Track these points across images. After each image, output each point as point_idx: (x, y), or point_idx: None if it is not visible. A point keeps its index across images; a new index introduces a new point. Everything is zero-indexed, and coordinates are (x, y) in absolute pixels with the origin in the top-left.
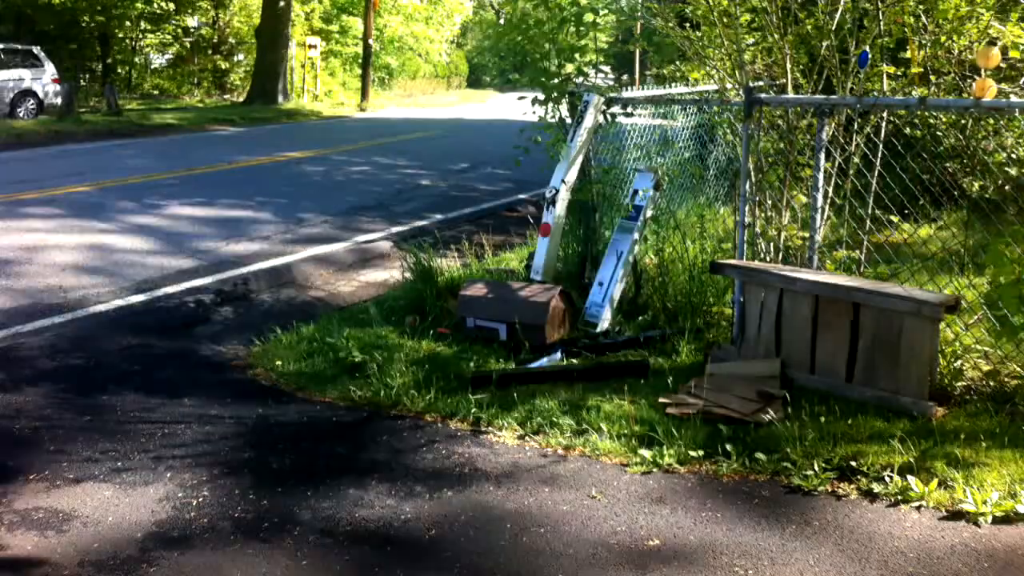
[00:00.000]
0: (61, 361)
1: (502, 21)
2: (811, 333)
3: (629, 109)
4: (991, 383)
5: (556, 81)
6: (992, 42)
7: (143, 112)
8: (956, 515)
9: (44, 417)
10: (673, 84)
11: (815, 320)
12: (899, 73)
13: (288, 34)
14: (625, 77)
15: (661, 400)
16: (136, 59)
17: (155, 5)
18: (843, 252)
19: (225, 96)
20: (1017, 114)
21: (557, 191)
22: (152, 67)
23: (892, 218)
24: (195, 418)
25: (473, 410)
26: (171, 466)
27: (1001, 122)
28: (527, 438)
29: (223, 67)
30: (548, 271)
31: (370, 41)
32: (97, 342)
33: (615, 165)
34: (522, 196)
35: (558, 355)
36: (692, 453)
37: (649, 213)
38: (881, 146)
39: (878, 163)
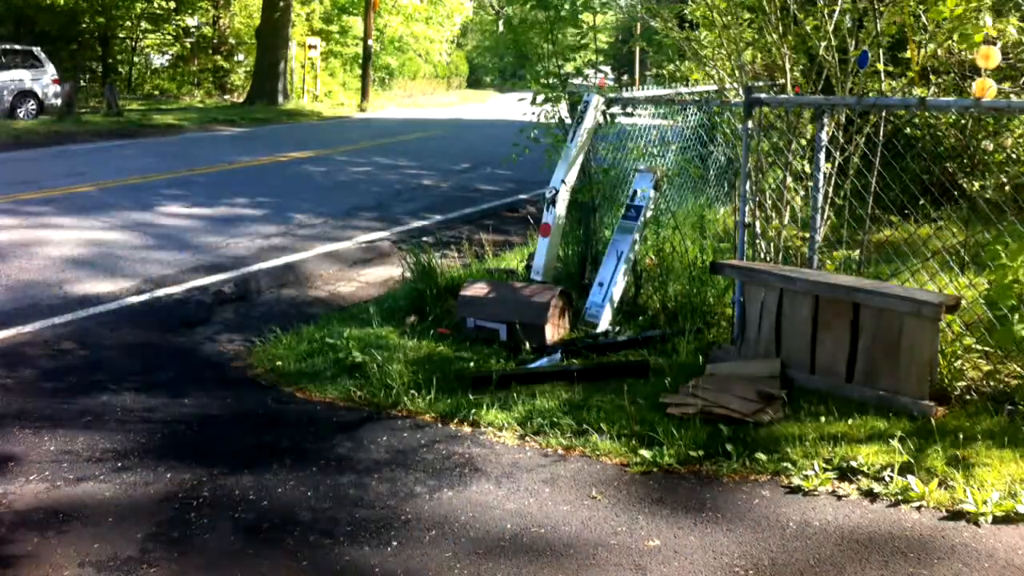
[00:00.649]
0: (61, 361)
1: (501, 23)
2: (811, 333)
3: (629, 109)
4: (991, 383)
5: (555, 81)
6: (992, 42)
7: (143, 112)
8: (956, 515)
9: (44, 417)
10: (673, 84)
11: (815, 320)
12: (899, 73)
13: (288, 34)
14: (625, 77)
15: (661, 400)
16: (136, 59)
17: (155, 5)
18: (843, 252)
19: (225, 96)
20: (1017, 114)
21: (557, 191)
22: (152, 67)
23: (892, 218)
24: (195, 418)
25: (473, 410)
26: (171, 466)
27: (1002, 122)
28: (527, 438)
29: (223, 67)
30: (548, 271)
31: (370, 41)
32: (97, 341)
33: (615, 165)
34: (522, 196)
35: (558, 355)
36: (692, 453)
37: (649, 213)
38: (881, 146)
39: (877, 163)
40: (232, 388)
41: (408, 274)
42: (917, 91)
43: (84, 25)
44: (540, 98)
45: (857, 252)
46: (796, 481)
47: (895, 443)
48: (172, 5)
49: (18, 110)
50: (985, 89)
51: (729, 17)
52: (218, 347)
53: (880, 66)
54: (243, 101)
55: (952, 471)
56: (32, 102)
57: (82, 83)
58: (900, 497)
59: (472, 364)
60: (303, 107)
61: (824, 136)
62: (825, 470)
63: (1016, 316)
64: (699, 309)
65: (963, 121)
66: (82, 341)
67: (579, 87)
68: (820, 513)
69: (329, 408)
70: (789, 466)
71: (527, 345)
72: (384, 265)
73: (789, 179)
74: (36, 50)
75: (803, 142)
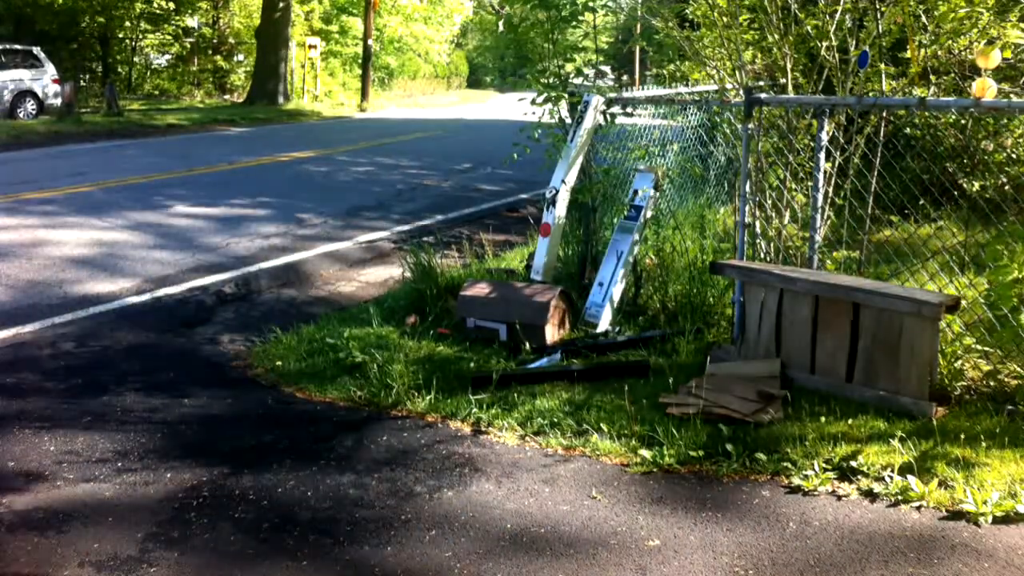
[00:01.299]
0: (62, 361)
1: (501, 24)
2: (811, 333)
3: (629, 109)
4: (991, 383)
5: (555, 81)
6: (991, 42)
7: (143, 112)
8: (956, 515)
9: (45, 417)
10: (673, 84)
11: (815, 320)
12: (899, 73)
13: (288, 34)
14: (625, 77)
15: (661, 400)
16: (136, 60)
17: (155, 5)
18: (843, 252)
19: (225, 97)
20: (1017, 114)
21: (557, 191)
22: (152, 67)
23: (892, 218)
24: (195, 418)
25: (473, 410)
26: (171, 466)
27: (1001, 122)
28: (527, 438)
29: (223, 68)
30: (548, 271)
31: (370, 41)
32: (97, 342)
33: (615, 165)
34: (523, 196)
35: (558, 355)
36: (692, 453)
37: (649, 213)
38: (881, 146)
39: (878, 163)
40: (232, 388)
41: (408, 274)
42: (917, 91)
43: (84, 25)
44: (541, 98)
45: (857, 252)
46: (796, 481)
47: (895, 443)
48: (172, 5)
49: (18, 110)
50: (985, 89)
51: (728, 18)
52: (218, 347)
53: (882, 67)
54: (243, 101)
55: (952, 471)
56: (32, 102)
57: (82, 83)
58: (900, 497)
59: (472, 364)
60: (303, 107)
61: (824, 136)
62: (825, 470)
63: (1020, 317)
64: (699, 309)
65: (963, 121)
66: (82, 341)
67: (580, 87)
68: (820, 513)
69: (329, 408)
70: (789, 466)
71: (527, 345)
72: (384, 265)
73: (789, 179)
74: (36, 50)
75: (803, 142)
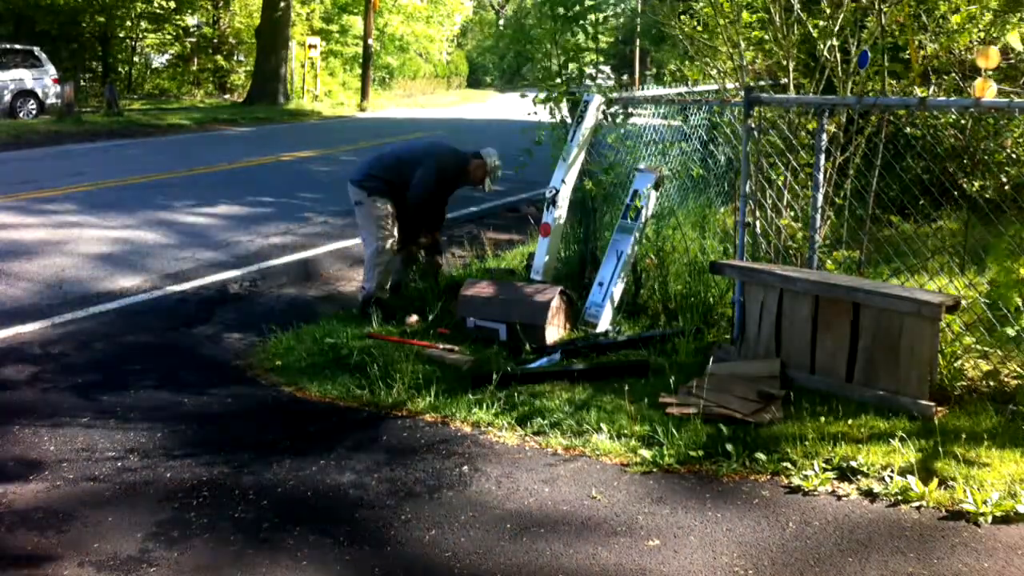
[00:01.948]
0: (61, 361)
1: (502, 23)
2: (811, 333)
3: (630, 109)
4: (991, 383)
5: (558, 81)
6: (992, 42)
7: (144, 112)
8: (956, 515)
9: (44, 417)
10: (673, 84)
11: (815, 320)
12: (900, 73)
13: (288, 34)
14: (625, 77)
15: (661, 400)
16: (136, 59)
17: (155, 5)
18: (843, 252)
19: (225, 96)
20: (1017, 114)
21: (557, 191)
22: (152, 67)
23: (892, 218)
24: (195, 418)
25: (473, 410)
26: (171, 466)
27: (1001, 122)
28: (527, 438)
29: (224, 67)
30: (548, 271)
31: (370, 41)
32: (97, 342)
33: (615, 165)
34: (523, 196)
35: (558, 355)
36: (692, 453)
37: (649, 213)
38: (881, 146)
39: (878, 163)
40: (232, 387)
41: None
42: (918, 91)
43: (84, 25)
44: (542, 96)
45: (857, 252)
46: (796, 481)
47: (895, 443)
48: (172, 5)
49: (18, 110)
50: (985, 89)
51: (731, 16)
52: (219, 346)
53: (883, 66)
54: (243, 101)
55: (952, 471)
56: (32, 102)
57: (82, 83)
58: (900, 497)
59: (472, 364)
60: (303, 107)
61: (824, 136)
62: (825, 470)
63: (1021, 317)
64: (699, 309)
65: (963, 121)
66: (82, 340)
67: (581, 87)
68: (820, 513)
69: (330, 408)
70: (789, 466)
71: (527, 345)
72: None
73: (789, 179)
74: (36, 50)
75: (804, 142)
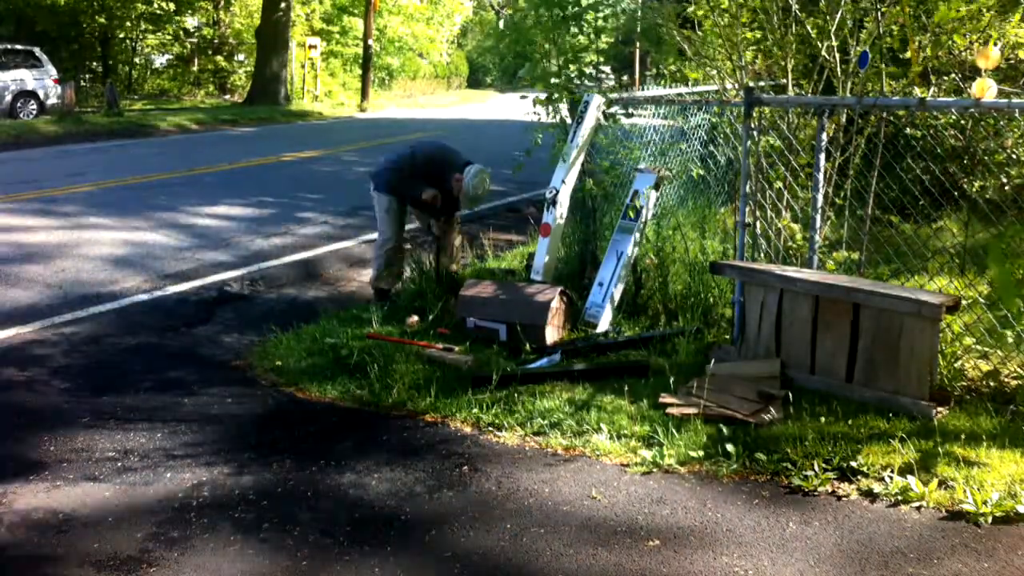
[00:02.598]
0: (61, 361)
1: (502, 23)
2: (811, 333)
3: (629, 110)
4: (991, 383)
5: (557, 81)
6: (992, 42)
7: (144, 112)
8: (956, 515)
9: (45, 417)
10: (673, 84)
11: (815, 320)
12: (900, 74)
13: (288, 35)
14: (625, 77)
15: (661, 400)
16: (137, 60)
17: (155, 6)
18: (843, 253)
19: (226, 97)
20: (1017, 114)
21: (557, 191)
22: (153, 68)
23: (892, 218)
24: (195, 418)
25: (474, 411)
26: (171, 466)
27: (1001, 122)
28: (527, 438)
29: (224, 68)
30: (548, 271)
31: (370, 41)
32: (97, 342)
33: (615, 165)
34: (523, 196)
35: (558, 356)
36: (692, 453)
37: (650, 213)
38: (881, 146)
39: (878, 163)
40: (233, 387)
41: (409, 273)
42: (918, 91)
43: (85, 25)
44: (542, 97)
45: (857, 252)
46: (796, 481)
47: (895, 443)
48: (172, 6)
49: (19, 110)
50: (985, 89)
51: (729, 17)
52: (219, 346)
53: (883, 67)
54: (243, 101)
55: (952, 471)
56: (33, 102)
57: (82, 83)
58: (900, 497)
59: (472, 364)
60: (303, 107)
61: (824, 136)
62: (825, 470)
63: (1022, 318)
64: (699, 309)
65: (963, 122)
66: (82, 340)
67: (581, 87)
68: (820, 513)
69: (330, 408)
70: (789, 466)
71: (527, 345)
72: None
73: (789, 179)
74: (36, 50)
75: (804, 142)
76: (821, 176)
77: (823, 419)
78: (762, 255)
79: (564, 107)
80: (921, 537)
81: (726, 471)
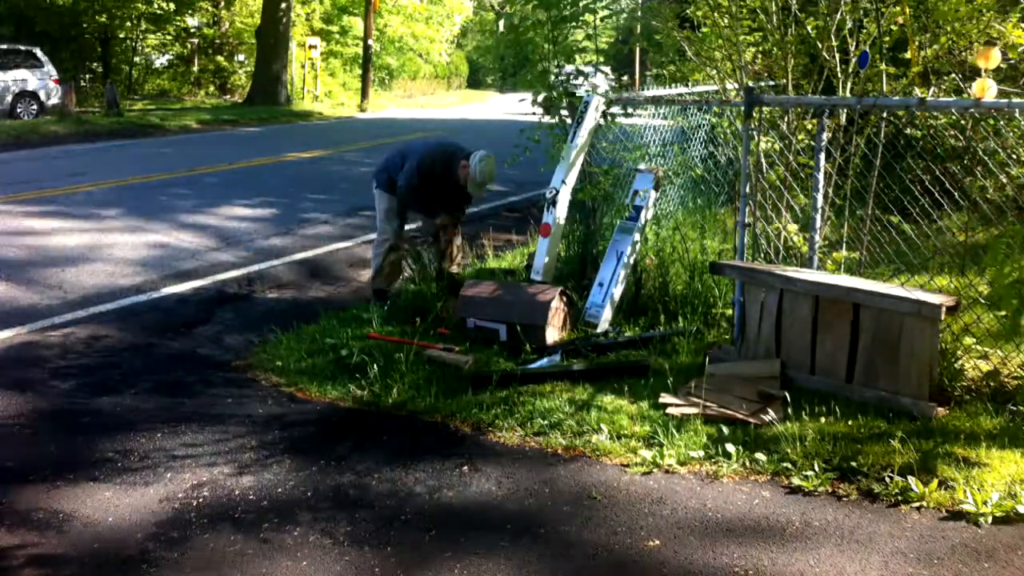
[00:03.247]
0: (60, 362)
1: (501, 23)
2: (811, 333)
3: (629, 110)
4: (991, 383)
5: (556, 81)
6: (992, 42)
7: (144, 113)
8: (956, 515)
9: (44, 417)
10: (673, 85)
11: (815, 320)
12: (900, 74)
13: (289, 35)
14: (625, 77)
15: (661, 400)
16: (137, 60)
17: (155, 6)
18: (843, 253)
19: (226, 97)
20: (1017, 114)
21: (557, 192)
22: (153, 68)
23: (892, 219)
24: (195, 418)
25: (474, 411)
26: (171, 466)
27: (1001, 122)
28: (527, 439)
29: (225, 68)
30: (548, 271)
31: (370, 41)
32: (96, 343)
33: (615, 165)
34: (523, 196)
35: (558, 356)
36: (692, 453)
37: (649, 213)
38: (881, 147)
39: (878, 163)
40: (233, 387)
41: (409, 273)
42: (918, 92)
43: (85, 25)
44: (541, 96)
45: (857, 252)
46: (796, 481)
47: (895, 443)
48: (172, 6)
49: (19, 110)
50: (985, 89)
51: (729, 19)
52: (219, 346)
53: (883, 67)
54: (244, 101)
55: (952, 471)
56: (33, 102)
57: (83, 83)
58: (900, 497)
59: (472, 364)
60: (303, 107)
61: (824, 136)
62: (825, 470)
63: (1021, 318)
64: (699, 309)
65: (963, 122)
66: (81, 340)
67: (580, 87)
68: (820, 513)
69: (330, 408)
70: (789, 466)
71: (527, 345)
72: None
73: (789, 179)
74: (37, 51)
75: (804, 142)
76: (821, 176)
77: (823, 419)
78: (762, 255)
79: (564, 107)
80: (921, 537)
81: (726, 471)
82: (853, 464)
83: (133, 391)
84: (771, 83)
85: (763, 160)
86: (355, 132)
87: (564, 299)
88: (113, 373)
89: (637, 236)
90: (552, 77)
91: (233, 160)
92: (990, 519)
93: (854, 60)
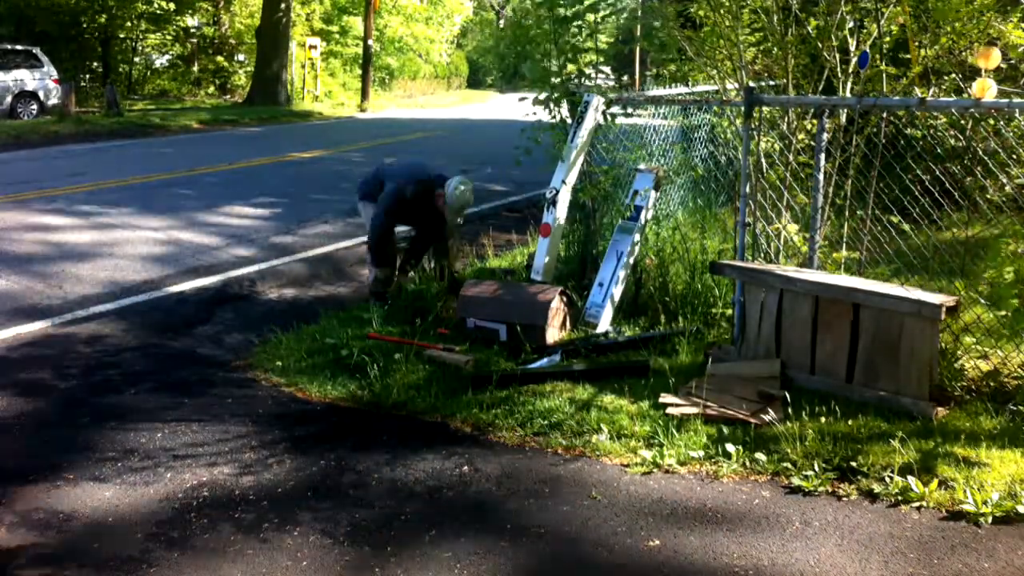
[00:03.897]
0: (60, 361)
1: (502, 23)
2: (811, 333)
3: (629, 110)
4: (991, 383)
5: (557, 81)
6: (992, 42)
7: (144, 113)
8: (956, 515)
9: (44, 417)
10: (673, 85)
11: (815, 320)
12: (900, 74)
13: (289, 35)
14: (625, 77)
15: (661, 400)
16: (137, 60)
17: (155, 6)
18: (843, 253)
19: (226, 97)
20: (1017, 114)
21: (557, 192)
22: (153, 68)
23: (892, 219)
24: (195, 418)
25: (474, 411)
26: (171, 466)
27: (1001, 122)
28: (528, 439)
29: (225, 68)
30: (548, 271)
31: (370, 42)
32: (97, 341)
33: (615, 165)
34: (523, 196)
35: (558, 356)
36: (692, 453)
37: (650, 213)
38: (881, 147)
39: (878, 163)
40: (233, 387)
41: (409, 273)
42: (918, 92)
43: (85, 25)
44: (542, 96)
45: (857, 252)
46: (796, 481)
47: (895, 443)
48: (172, 6)
49: (19, 110)
50: (985, 89)
51: (730, 19)
52: (219, 346)
53: (883, 67)
54: (244, 101)
55: (952, 471)
56: (33, 102)
57: (82, 83)
58: (900, 497)
59: (472, 364)
60: (303, 107)
61: (824, 136)
62: (825, 470)
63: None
64: (699, 309)
65: (963, 122)
66: (81, 340)
67: (580, 87)
68: (820, 513)
69: (330, 408)
70: (789, 466)
71: (527, 345)
72: None
73: (789, 179)
74: (37, 51)
75: (804, 142)
76: (821, 176)
77: (823, 419)
78: (762, 255)
79: (564, 108)
80: (921, 537)
81: (726, 471)
82: (853, 464)
83: (133, 391)
84: (771, 83)
85: (763, 160)
86: (355, 132)
87: (564, 299)
88: (113, 372)
89: (637, 236)
90: (554, 79)
91: (233, 160)
92: (990, 519)
93: (854, 60)
